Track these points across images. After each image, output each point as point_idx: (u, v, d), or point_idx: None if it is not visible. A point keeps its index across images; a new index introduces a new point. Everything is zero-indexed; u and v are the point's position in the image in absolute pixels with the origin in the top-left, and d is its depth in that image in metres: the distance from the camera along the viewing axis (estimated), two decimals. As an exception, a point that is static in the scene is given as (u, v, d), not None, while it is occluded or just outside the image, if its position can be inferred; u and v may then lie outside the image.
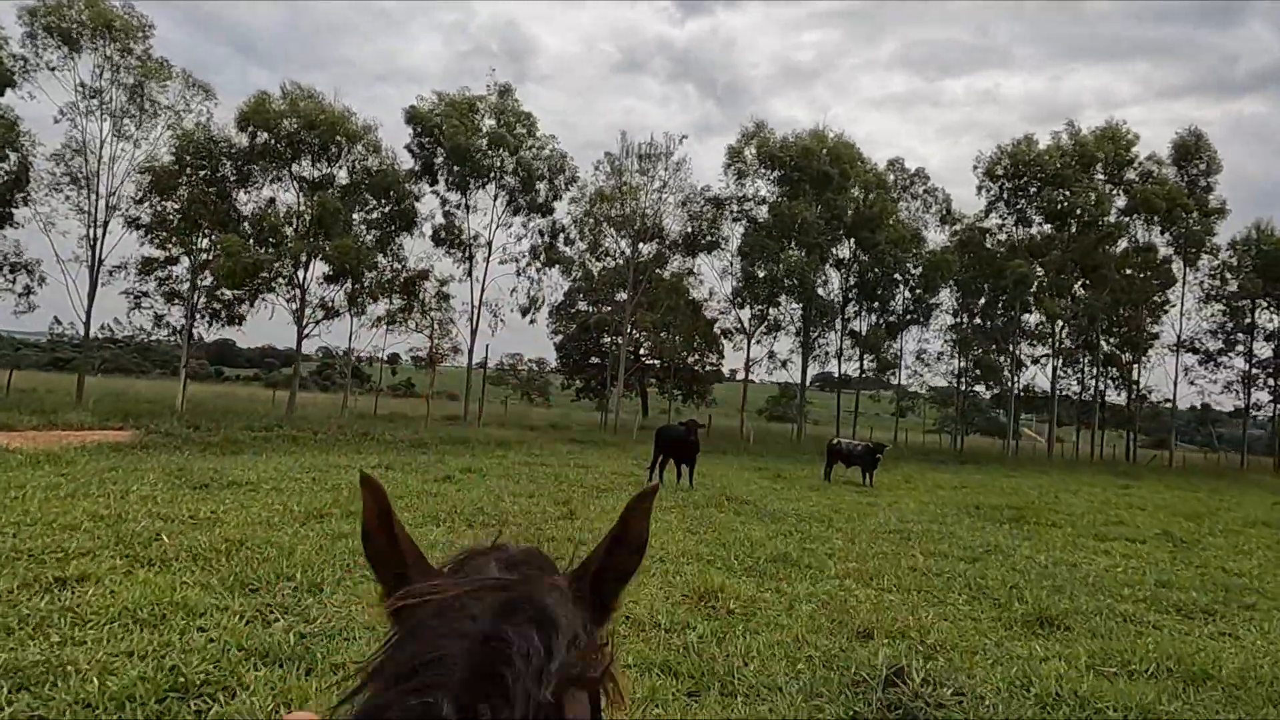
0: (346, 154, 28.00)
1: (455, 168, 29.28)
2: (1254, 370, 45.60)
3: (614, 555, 0.91)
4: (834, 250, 34.69)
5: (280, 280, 27.72)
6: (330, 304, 28.91)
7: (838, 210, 33.15)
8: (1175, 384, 44.14)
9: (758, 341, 37.85)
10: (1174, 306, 43.74)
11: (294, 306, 28.10)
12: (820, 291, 33.88)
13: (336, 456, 16.80)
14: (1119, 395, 46.19)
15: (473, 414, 31.73)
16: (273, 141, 26.51)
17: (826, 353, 37.63)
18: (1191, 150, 42.05)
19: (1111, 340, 43.27)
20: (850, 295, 36.20)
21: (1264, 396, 47.62)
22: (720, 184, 34.07)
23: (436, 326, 34.20)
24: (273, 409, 27.63)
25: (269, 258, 25.48)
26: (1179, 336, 43.68)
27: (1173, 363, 45.27)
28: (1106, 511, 16.31)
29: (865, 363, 37.58)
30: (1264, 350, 46.35)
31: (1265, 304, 44.69)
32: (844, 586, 7.74)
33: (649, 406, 57.29)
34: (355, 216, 28.26)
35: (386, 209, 28.90)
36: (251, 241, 26.51)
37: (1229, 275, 44.74)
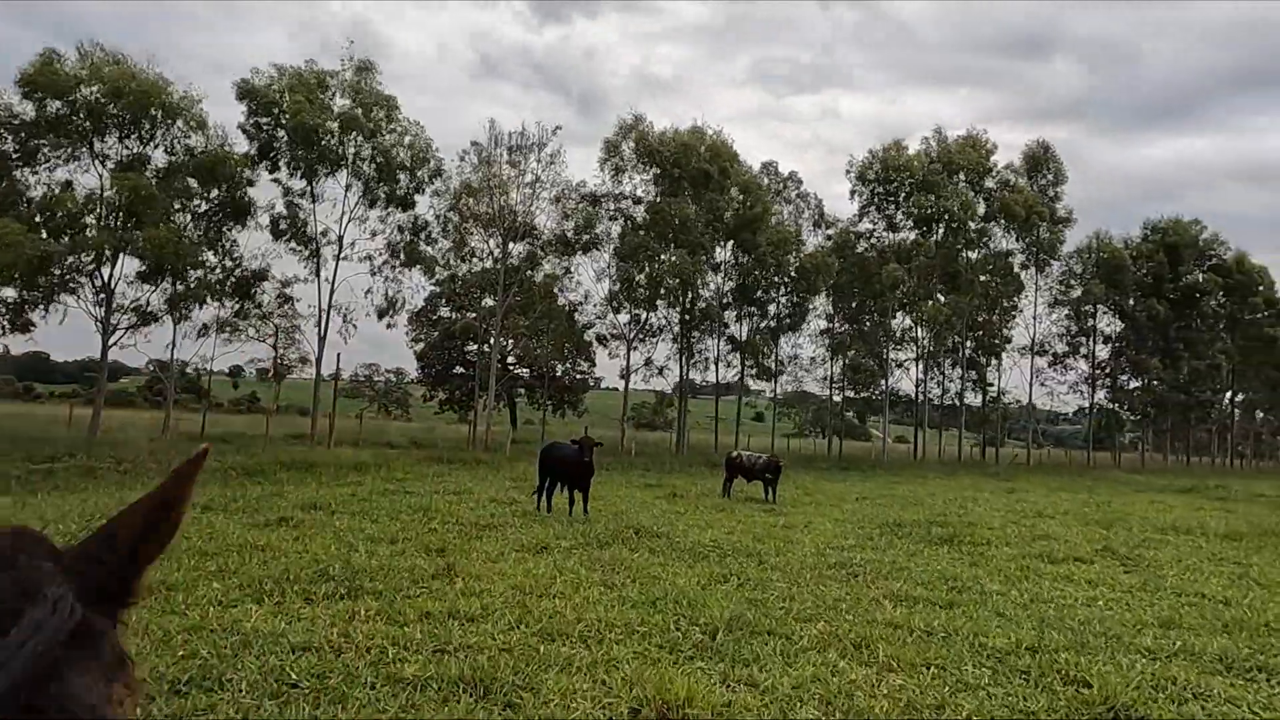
0: (165, 131, 23.86)
1: (300, 151, 25.60)
2: (1095, 371, 48.39)
3: (159, 529, 0.72)
4: (714, 252, 33.42)
5: (81, 279, 23.26)
6: (145, 308, 24.59)
7: (718, 210, 31.87)
8: (1030, 386, 45.98)
9: (634, 348, 36.10)
10: (1023, 311, 45.70)
11: (100, 311, 23.64)
12: (703, 293, 32.52)
13: (138, 493, 13.41)
14: (976, 397, 47.73)
15: (323, 431, 28.07)
16: (67, 112, 22.06)
17: (706, 359, 36.36)
18: (1041, 161, 43.98)
19: (968, 344, 44.51)
20: (729, 299, 35.05)
21: (1101, 396, 50.77)
22: (596, 180, 32.10)
23: (280, 335, 30.33)
24: (71, 432, 23.17)
25: (60, 249, 20.98)
26: (1033, 340, 45.53)
27: (1022, 365, 47.34)
28: (1023, 524, 15.37)
29: (746, 368, 36.53)
30: (1104, 353, 49.42)
31: (1105, 309, 47.54)
32: (830, 664, 5.79)
33: (517, 418, 54.49)
34: (176, 205, 24.09)
35: (214, 196, 24.85)
36: (44, 232, 22.03)
37: (1073, 281, 47.32)
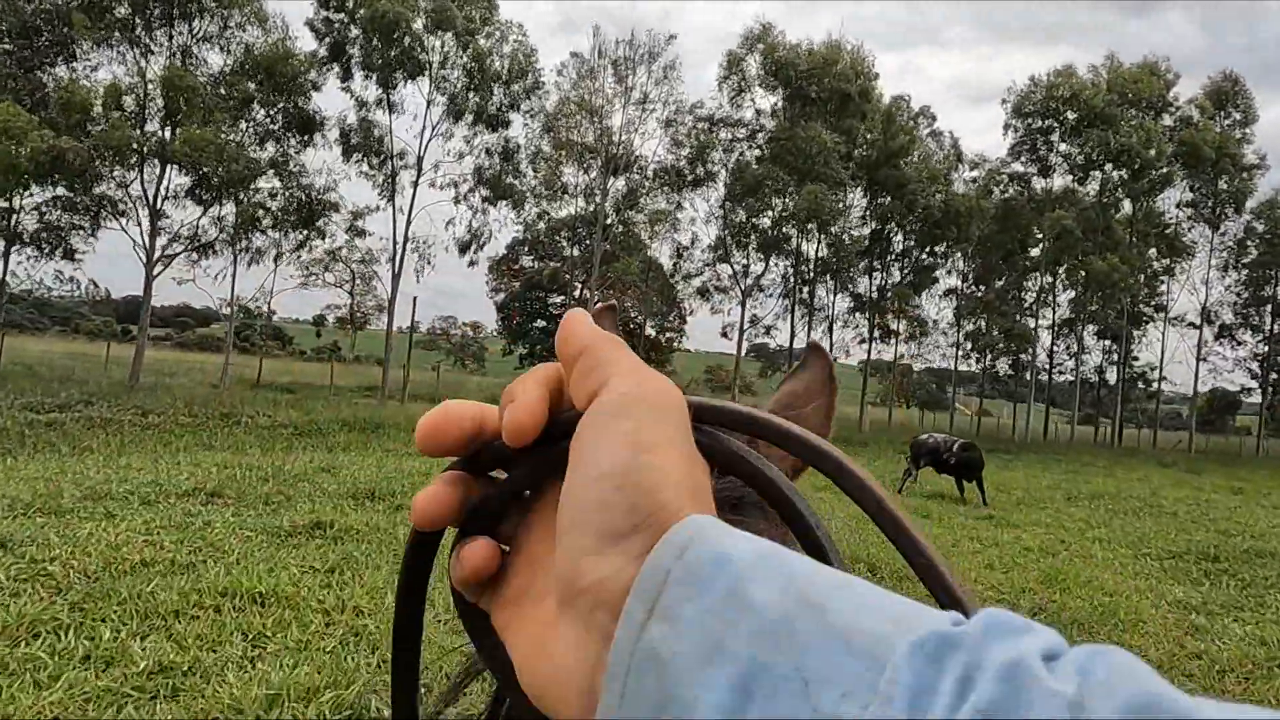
0: (221, 28, 20.26)
1: (376, 54, 21.67)
2: (1272, 346, 41.69)
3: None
4: (850, 191, 28.48)
5: (127, 198, 20.05)
6: (199, 236, 21.30)
7: (855, 139, 26.84)
8: (1198, 361, 39.66)
9: (739, 303, 31.68)
10: (1180, 276, 39.39)
11: (145, 233, 20.34)
12: (843, 238, 27.67)
13: (155, 458, 9.79)
14: (1113, 372, 41.70)
15: (395, 382, 24.59)
16: (104, -5, 18.59)
17: (826, 317, 31.68)
18: (1228, 96, 37.26)
19: (1111, 312, 38.49)
20: (863, 247, 30.07)
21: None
22: (713, 102, 27.39)
23: (357, 280, 27.13)
24: (112, 373, 20.22)
25: (77, 146, 17.18)
26: (1203, 308, 39.19)
27: (1188, 338, 41.17)
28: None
29: (874, 329, 31.72)
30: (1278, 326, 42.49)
31: (1285, 275, 40.63)
32: None
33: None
34: (232, 113, 20.52)
35: (277, 104, 21.16)
36: (90, 145, 18.64)
37: (1249, 242, 40.53)
